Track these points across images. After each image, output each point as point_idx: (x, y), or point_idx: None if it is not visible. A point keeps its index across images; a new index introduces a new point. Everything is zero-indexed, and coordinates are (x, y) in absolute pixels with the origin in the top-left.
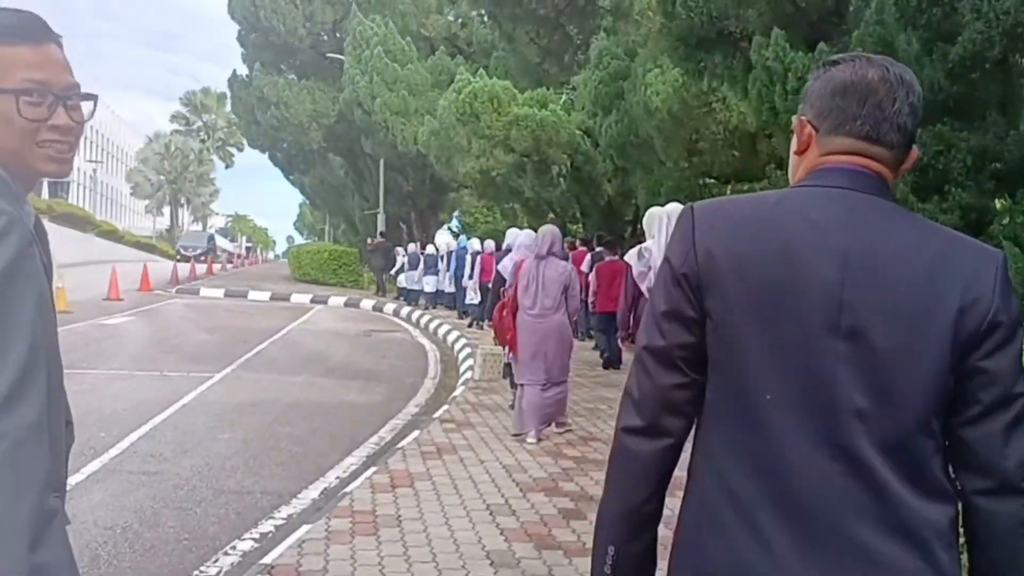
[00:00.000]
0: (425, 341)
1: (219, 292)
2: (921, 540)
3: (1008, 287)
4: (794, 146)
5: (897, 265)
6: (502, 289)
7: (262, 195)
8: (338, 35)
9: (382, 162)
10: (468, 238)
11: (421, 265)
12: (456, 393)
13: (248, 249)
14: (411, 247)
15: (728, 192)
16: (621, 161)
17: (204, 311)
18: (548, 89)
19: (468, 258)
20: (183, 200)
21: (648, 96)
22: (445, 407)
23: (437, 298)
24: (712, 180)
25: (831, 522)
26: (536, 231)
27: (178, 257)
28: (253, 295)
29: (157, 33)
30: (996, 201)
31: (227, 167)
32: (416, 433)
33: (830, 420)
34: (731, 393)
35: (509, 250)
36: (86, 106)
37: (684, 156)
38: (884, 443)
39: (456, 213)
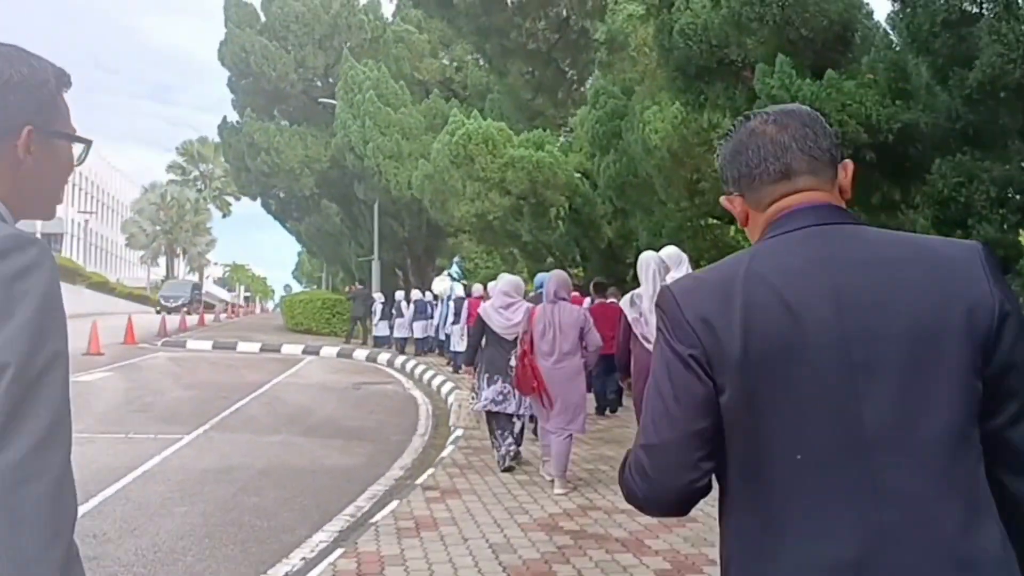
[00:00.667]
0: (418, 394)
1: (207, 344)
2: (978, 570)
3: (999, 274)
4: (739, 222)
5: (890, 286)
6: (522, 334)
7: (260, 244)
8: (330, 80)
9: (376, 207)
10: (462, 284)
11: (412, 311)
12: (444, 453)
13: (247, 299)
14: (398, 294)
15: (732, 233)
16: (620, 202)
17: (187, 365)
18: (544, 130)
19: (451, 304)
20: (179, 250)
21: (647, 134)
22: (430, 470)
23: (426, 344)
24: (715, 220)
25: (892, 573)
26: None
27: (157, 309)
28: (242, 347)
29: (155, 85)
30: (1022, 235)
31: (224, 216)
32: (394, 504)
33: (867, 463)
34: (758, 463)
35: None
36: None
37: (685, 196)
38: (927, 470)
39: (456, 259)
